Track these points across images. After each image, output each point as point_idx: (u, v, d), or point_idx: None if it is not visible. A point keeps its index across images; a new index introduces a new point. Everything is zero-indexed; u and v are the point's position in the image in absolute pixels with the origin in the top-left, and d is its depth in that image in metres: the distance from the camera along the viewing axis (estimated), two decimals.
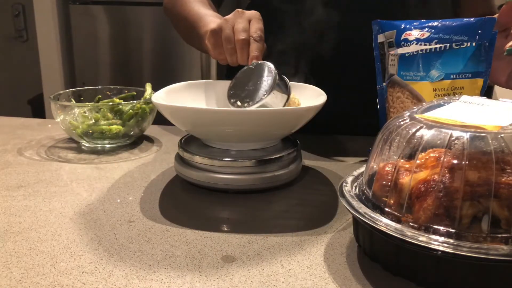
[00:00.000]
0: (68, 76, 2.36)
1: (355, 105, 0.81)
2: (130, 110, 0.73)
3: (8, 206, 0.53)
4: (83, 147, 0.75)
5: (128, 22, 2.12)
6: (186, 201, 0.57)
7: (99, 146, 0.75)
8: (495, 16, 0.73)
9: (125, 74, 2.22)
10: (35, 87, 2.44)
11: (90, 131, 0.72)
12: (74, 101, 0.81)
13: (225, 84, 0.71)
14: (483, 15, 0.80)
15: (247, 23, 0.65)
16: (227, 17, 0.66)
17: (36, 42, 2.34)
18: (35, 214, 0.51)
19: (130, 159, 0.70)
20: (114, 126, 0.72)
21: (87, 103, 0.78)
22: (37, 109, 2.57)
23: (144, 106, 0.75)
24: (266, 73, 0.60)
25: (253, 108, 0.57)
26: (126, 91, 0.82)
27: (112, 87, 0.83)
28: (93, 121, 0.72)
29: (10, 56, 2.66)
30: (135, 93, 0.82)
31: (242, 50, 0.64)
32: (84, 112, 0.73)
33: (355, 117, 0.86)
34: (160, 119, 0.73)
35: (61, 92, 0.79)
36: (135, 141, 0.78)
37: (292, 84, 0.69)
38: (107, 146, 0.75)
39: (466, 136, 0.38)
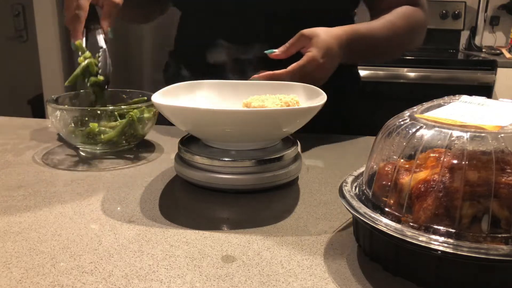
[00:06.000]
0: (68, 76, 2.36)
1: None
2: (130, 114, 0.70)
3: (8, 206, 0.53)
4: (82, 147, 0.75)
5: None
6: (186, 201, 0.57)
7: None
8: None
9: (125, 74, 2.22)
10: (35, 87, 2.44)
11: (73, 136, 0.69)
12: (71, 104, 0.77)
13: (226, 84, 0.71)
14: (401, 4, 0.83)
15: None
16: None
17: (36, 42, 2.34)
18: (35, 214, 0.51)
19: (130, 159, 0.70)
20: (109, 135, 0.69)
21: (72, 107, 0.74)
22: (37, 109, 2.57)
23: (138, 111, 0.71)
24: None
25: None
26: (140, 95, 0.80)
27: (128, 90, 0.81)
28: (72, 125, 0.69)
29: (10, 56, 2.66)
30: (145, 98, 0.79)
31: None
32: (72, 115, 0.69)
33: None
34: (160, 119, 0.73)
35: (63, 94, 0.77)
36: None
37: (292, 84, 0.69)
38: (101, 151, 0.73)
39: (466, 136, 0.38)
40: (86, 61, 0.72)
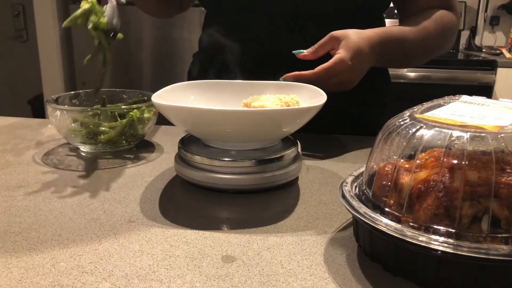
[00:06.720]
0: (68, 76, 2.37)
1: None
2: (130, 114, 0.70)
3: (8, 206, 0.53)
4: (82, 147, 0.75)
5: (128, 22, 2.12)
6: (186, 201, 0.57)
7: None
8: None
9: (125, 74, 2.22)
10: (35, 87, 2.45)
11: (73, 136, 0.70)
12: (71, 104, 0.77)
13: (226, 84, 0.71)
14: (432, 7, 0.81)
15: None
16: None
17: (36, 42, 2.34)
18: (35, 214, 0.51)
19: (129, 160, 0.70)
20: (108, 135, 0.69)
21: (72, 107, 0.74)
22: (37, 109, 2.57)
23: (138, 111, 0.71)
24: None
25: None
26: (140, 95, 0.80)
27: (128, 90, 0.81)
28: (72, 125, 0.69)
29: (10, 56, 2.66)
30: (145, 98, 0.79)
31: None
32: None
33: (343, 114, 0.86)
34: (160, 119, 0.72)
35: (63, 94, 0.77)
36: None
37: (292, 84, 0.69)
38: (101, 151, 0.73)
39: (466, 136, 0.38)
40: (88, 4, 0.66)
